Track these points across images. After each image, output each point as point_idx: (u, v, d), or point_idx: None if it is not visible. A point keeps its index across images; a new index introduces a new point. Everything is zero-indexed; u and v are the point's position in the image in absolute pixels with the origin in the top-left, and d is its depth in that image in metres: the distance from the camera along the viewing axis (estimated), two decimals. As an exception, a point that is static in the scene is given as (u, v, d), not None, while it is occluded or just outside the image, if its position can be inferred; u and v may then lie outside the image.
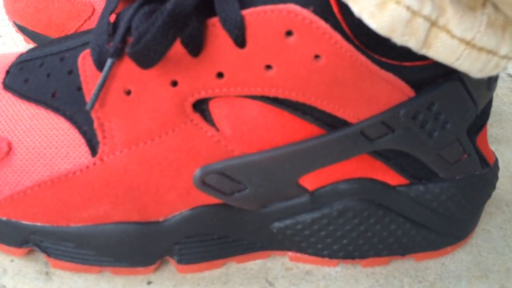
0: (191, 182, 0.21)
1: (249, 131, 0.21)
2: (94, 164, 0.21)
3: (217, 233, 0.23)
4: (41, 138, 0.21)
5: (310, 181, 0.22)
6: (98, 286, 0.22)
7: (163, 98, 0.20)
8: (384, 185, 0.23)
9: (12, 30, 0.42)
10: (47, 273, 0.23)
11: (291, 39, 0.19)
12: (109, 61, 0.20)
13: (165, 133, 0.20)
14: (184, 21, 0.18)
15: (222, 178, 0.21)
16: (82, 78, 0.21)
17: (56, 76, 0.22)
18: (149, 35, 0.17)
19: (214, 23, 0.19)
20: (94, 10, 0.35)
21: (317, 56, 0.19)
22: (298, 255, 0.24)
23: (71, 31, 0.36)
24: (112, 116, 0.21)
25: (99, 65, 0.20)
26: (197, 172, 0.21)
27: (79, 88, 0.21)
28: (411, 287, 0.24)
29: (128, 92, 0.20)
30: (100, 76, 0.20)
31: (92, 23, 0.35)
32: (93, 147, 0.21)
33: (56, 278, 0.22)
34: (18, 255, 0.23)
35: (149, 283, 0.23)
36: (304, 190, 0.22)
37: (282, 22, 0.18)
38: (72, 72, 0.22)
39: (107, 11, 0.21)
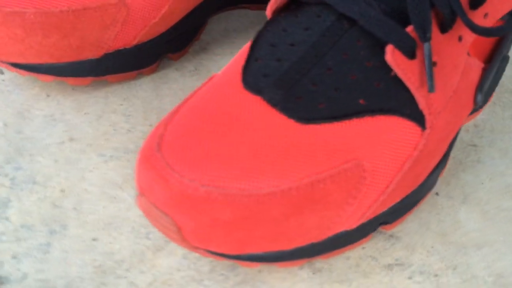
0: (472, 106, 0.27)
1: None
2: (429, 134, 0.24)
3: None
4: (387, 144, 0.23)
5: None
6: None
7: (457, 53, 0.24)
8: None
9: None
10: None
11: None
12: (427, 46, 0.23)
13: (458, 81, 0.25)
14: None
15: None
16: (398, 71, 0.23)
17: (344, 85, 0.23)
18: None
19: None
20: (126, 5, 0.30)
21: None
22: None
23: (109, 43, 0.30)
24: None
25: (411, 54, 0.23)
26: (479, 95, 0.26)
27: (378, 83, 0.23)
28: None
29: (434, 64, 0.24)
30: (411, 62, 0.23)
31: (130, 24, 0.30)
32: (420, 123, 0.24)
33: None
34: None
35: None
36: None
37: None
38: (352, 73, 0.23)
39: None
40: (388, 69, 0.24)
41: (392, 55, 0.23)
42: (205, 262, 0.25)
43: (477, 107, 0.28)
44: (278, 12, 0.27)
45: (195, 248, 0.23)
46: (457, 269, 0.26)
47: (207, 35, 0.38)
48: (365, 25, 0.23)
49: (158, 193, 0.22)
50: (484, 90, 0.27)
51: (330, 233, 0.24)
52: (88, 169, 0.28)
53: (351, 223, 0.24)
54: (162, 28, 0.32)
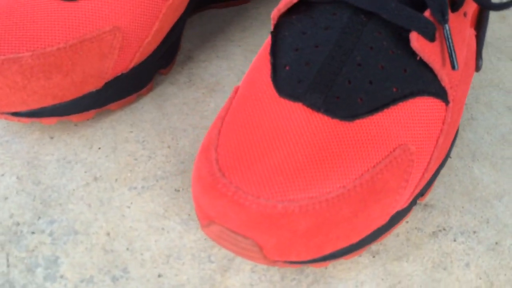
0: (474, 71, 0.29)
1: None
2: (452, 107, 0.26)
3: None
4: (423, 124, 0.25)
5: None
6: None
7: (464, 28, 0.26)
8: None
9: None
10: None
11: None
12: (447, 27, 0.24)
13: (466, 52, 0.27)
14: None
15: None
16: (423, 55, 0.24)
17: (376, 77, 0.24)
18: None
19: None
20: (120, 30, 0.29)
21: None
22: None
23: (109, 71, 0.29)
24: (448, 65, 0.25)
25: (432, 37, 0.24)
26: (480, 61, 0.28)
27: (404, 69, 0.24)
28: None
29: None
30: (433, 45, 0.25)
31: (126, 48, 0.29)
32: (443, 98, 0.26)
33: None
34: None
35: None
36: None
37: None
38: (380, 63, 0.24)
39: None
40: (411, 54, 0.25)
41: (417, 41, 0.24)
42: (274, 272, 0.25)
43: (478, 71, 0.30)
44: (285, 15, 0.27)
45: (273, 262, 0.23)
46: (489, 222, 0.28)
47: (187, 43, 0.37)
48: (387, 16, 0.24)
49: (234, 218, 0.22)
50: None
51: (388, 217, 0.25)
52: (125, 206, 0.27)
53: (403, 203, 0.25)
54: (154, 46, 0.31)
